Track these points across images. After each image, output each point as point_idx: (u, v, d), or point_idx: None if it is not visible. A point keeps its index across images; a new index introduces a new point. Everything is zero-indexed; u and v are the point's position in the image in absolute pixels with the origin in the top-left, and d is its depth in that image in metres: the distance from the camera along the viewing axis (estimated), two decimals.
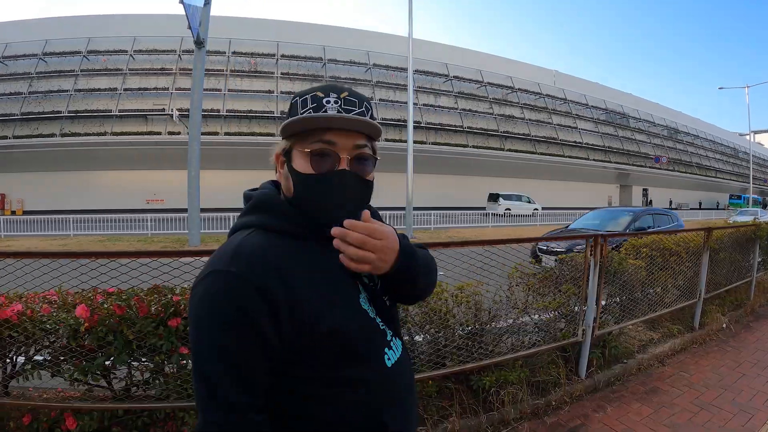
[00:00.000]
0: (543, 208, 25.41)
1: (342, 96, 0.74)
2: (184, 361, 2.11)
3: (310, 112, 0.72)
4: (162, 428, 2.28)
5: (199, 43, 11.61)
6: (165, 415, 2.27)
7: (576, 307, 3.11)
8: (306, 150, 0.73)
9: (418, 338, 2.56)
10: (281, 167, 0.79)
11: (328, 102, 0.73)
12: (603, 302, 3.30)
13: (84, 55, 24.35)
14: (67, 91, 23.30)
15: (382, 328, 0.80)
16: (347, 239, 0.72)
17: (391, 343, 0.81)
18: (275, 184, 0.83)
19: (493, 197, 25.38)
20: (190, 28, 10.01)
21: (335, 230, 0.73)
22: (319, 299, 0.70)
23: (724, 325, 4.54)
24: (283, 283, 0.67)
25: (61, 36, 24.34)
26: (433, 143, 24.79)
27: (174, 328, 2.01)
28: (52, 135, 22.47)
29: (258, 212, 0.76)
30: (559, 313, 3.10)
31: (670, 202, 39.95)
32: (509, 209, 24.51)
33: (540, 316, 3.05)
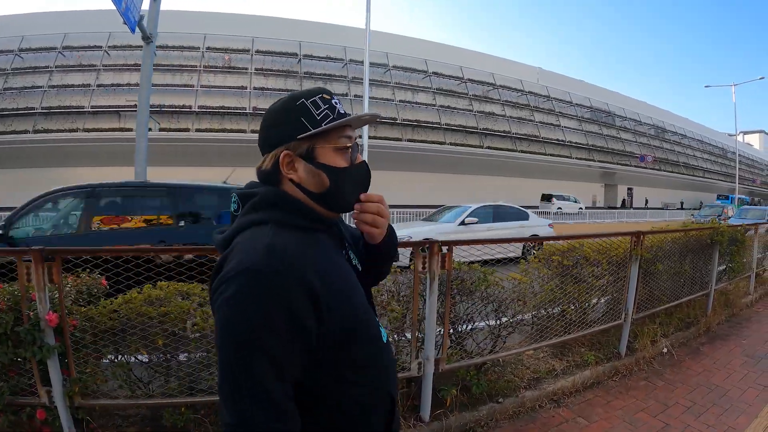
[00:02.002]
0: (528, 207, 25.19)
1: (338, 98, 0.85)
2: None
3: (327, 113, 0.80)
4: None
5: (147, 38, 11.36)
6: None
7: (408, 334, 2.54)
8: (338, 146, 0.82)
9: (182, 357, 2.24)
10: (291, 169, 0.81)
11: (337, 103, 0.83)
12: (468, 326, 2.76)
13: (59, 51, 24.18)
14: (41, 87, 23.18)
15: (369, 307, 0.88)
16: (369, 208, 0.88)
17: (378, 322, 0.89)
18: (256, 183, 0.86)
19: (546, 197, 27.67)
20: (125, 23, 9.69)
21: (364, 196, 0.87)
22: (344, 288, 0.77)
23: (665, 350, 3.81)
24: (319, 278, 0.71)
25: (37, 32, 24.19)
26: (408, 140, 24.54)
27: None
28: (26, 132, 22.37)
29: (268, 208, 0.78)
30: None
31: (646, 201, 39.68)
32: (560, 208, 26.19)
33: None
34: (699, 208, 38.92)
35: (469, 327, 2.79)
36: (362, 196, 0.87)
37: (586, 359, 3.35)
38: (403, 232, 8.00)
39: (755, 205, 44.92)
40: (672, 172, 38.82)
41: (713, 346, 4.13)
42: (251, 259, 0.68)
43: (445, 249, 2.51)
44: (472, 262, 2.76)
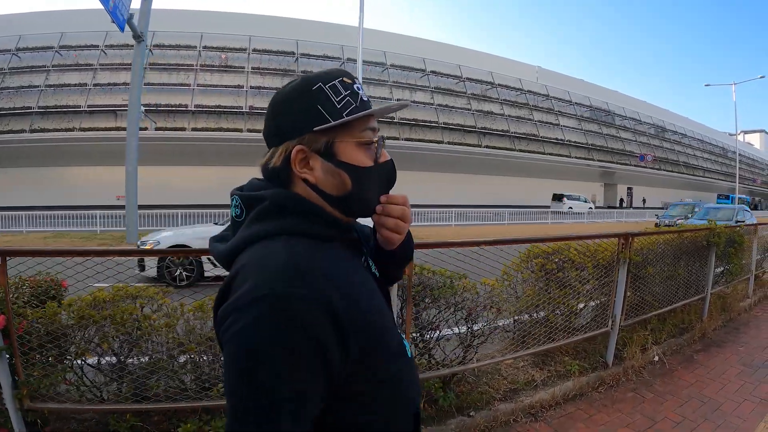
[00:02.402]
0: (523, 206, 25.11)
1: (359, 83, 0.74)
2: None
3: (348, 101, 0.69)
4: None
5: (137, 36, 11.33)
6: None
7: None
8: (363, 140, 0.71)
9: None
10: (305, 167, 0.70)
11: (359, 89, 0.72)
12: (434, 334, 2.59)
13: (56, 50, 24.16)
14: (38, 86, 23.14)
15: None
16: (393, 211, 0.76)
17: (401, 335, 0.80)
18: (261, 181, 0.75)
19: (558, 197, 28.35)
20: (113, 21, 9.61)
21: (386, 198, 0.76)
22: (366, 304, 0.68)
23: (656, 358, 3.56)
24: (342, 298, 0.62)
25: (35, 31, 24.16)
26: (405, 139, 24.44)
27: None
28: (22, 131, 22.34)
29: (284, 216, 0.68)
30: None
31: (644, 201, 39.56)
32: (571, 207, 27.03)
33: None
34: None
35: (436, 336, 2.60)
36: (383, 198, 0.75)
37: (570, 369, 3.09)
38: (151, 237, 6.96)
39: (756, 205, 44.75)
40: (672, 171, 38.65)
41: (708, 354, 3.85)
42: (269, 283, 0.58)
43: None
44: None
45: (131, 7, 11.55)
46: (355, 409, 0.68)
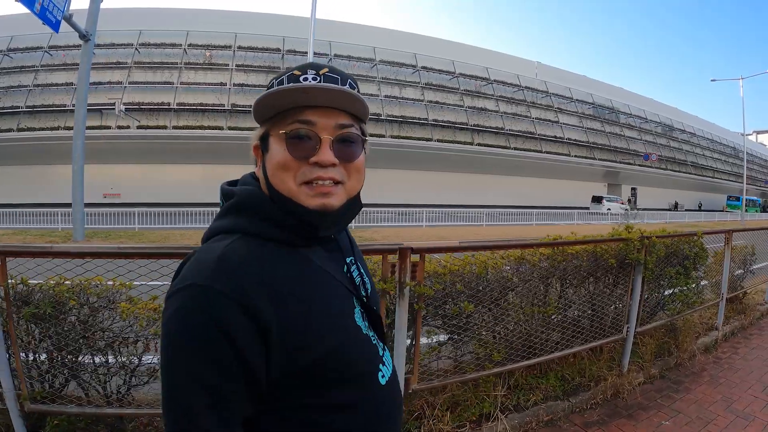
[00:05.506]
0: (521, 207, 24.25)
1: (321, 72, 0.68)
2: None
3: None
4: None
5: (83, 36, 10.99)
6: None
7: None
8: (286, 131, 0.66)
9: None
10: (258, 159, 0.72)
11: (305, 79, 0.67)
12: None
13: (45, 51, 24.28)
14: (26, 86, 23.28)
15: (374, 342, 0.75)
16: None
17: (384, 359, 0.76)
18: (256, 177, 0.74)
19: (597, 199, 29.16)
20: (44, 23, 9.12)
21: None
22: (314, 319, 0.64)
23: None
24: (273, 304, 0.60)
25: (26, 31, 24.32)
26: (392, 137, 23.75)
27: None
28: (9, 130, 22.47)
29: (240, 215, 0.67)
30: None
31: (629, 201, 38.26)
32: (609, 209, 27.67)
33: None
34: (699, 209, 37.11)
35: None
36: None
37: None
38: None
39: (766, 206, 42.84)
40: (679, 171, 37.19)
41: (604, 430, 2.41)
42: (195, 275, 0.60)
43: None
44: None
45: (82, 7, 11.20)
46: None
